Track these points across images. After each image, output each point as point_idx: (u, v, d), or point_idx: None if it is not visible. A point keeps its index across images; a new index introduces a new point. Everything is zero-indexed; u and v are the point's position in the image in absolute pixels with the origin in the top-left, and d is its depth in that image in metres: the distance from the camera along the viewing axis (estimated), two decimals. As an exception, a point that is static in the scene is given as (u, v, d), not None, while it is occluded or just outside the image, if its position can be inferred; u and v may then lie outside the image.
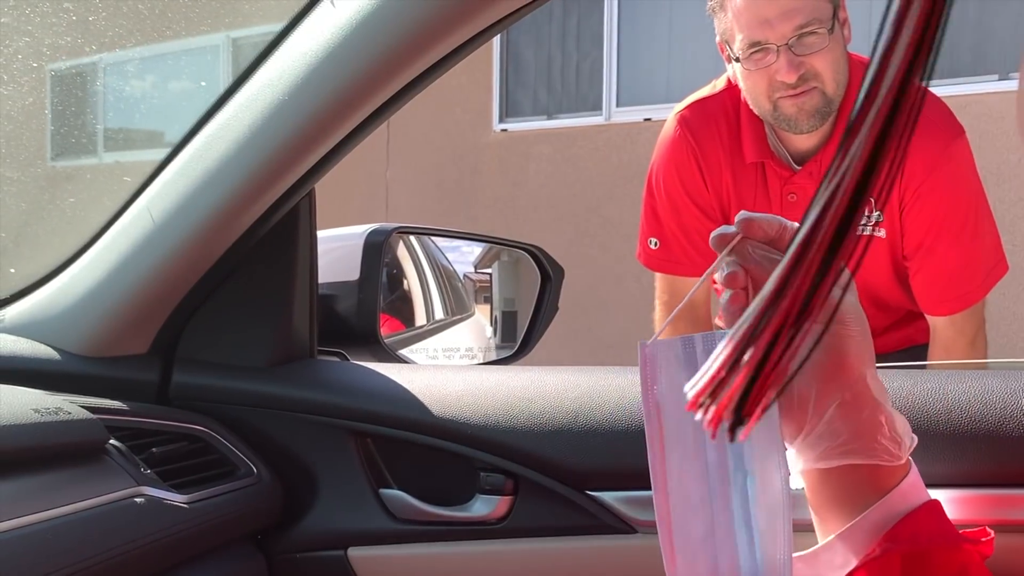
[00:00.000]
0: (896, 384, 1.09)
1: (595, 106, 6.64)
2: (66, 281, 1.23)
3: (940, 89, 2.26)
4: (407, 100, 1.14)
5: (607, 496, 1.11)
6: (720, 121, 2.15)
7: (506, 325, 1.77)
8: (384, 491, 1.18)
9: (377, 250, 1.39)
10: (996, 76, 5.18)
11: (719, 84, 2.19)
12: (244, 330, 1.25)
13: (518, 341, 1.63)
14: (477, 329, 1.82)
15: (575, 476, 1.12)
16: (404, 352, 1.49)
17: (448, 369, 1.27)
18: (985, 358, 2.17)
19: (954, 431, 1.05)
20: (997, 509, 1.04)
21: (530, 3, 1.07)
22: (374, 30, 1.05)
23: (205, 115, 1.15)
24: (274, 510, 1.20)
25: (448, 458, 1.17)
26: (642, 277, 2.42)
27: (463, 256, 1.86)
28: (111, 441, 1.03)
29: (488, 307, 1.83)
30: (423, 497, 1.17)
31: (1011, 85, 5.06)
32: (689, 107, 2.20)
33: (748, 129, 2.12)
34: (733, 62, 2.05)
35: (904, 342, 2.25)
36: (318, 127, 1.10)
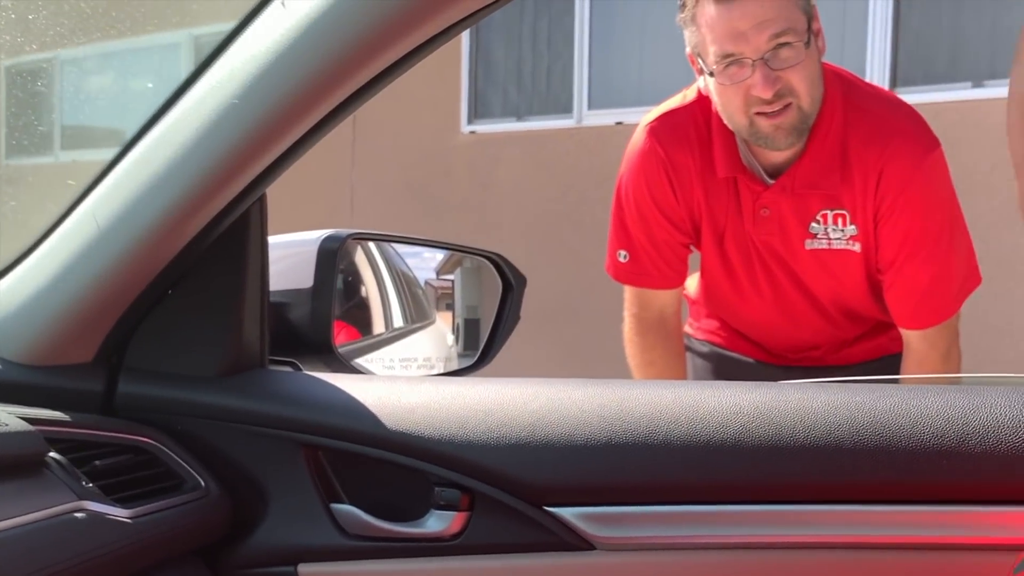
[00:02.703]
0: (859, 399, 1.08)
1: (566, 109, 6.62)
2: (6, 286, 1.20)
3: (913, 96, 2.26)
4: (362, 103, 1.11)
5: (565, 512, 1.09)
6: (691, 133, 2.11)
7: (468, 333, 1.74)
8: (335, 506, 1.15)
9: (331, 257, 1.36)
10: (970, 83, 5.20)
11: (689, 95, 2.15)
12: (193, 338, 1.22)
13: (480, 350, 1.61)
14: (437, 338, 1.79)
15: (532, 491, 1.10)
16: (360, 362, 1.46)
17: (402, 380, 1.24)
18: (959, 371, 2.16)
19: (915, 447, 1.03)
20: (954, 527, 1.03)
21: (491, 4, 1.05)
22: (327, 30, 1.02)
23: (152, 117, 1.13)
24: (222, 525, 1.17)
25: (401, 472, 1.14)
26: (612, 283, 2.40)
27: (424, 262, 1.83)
28: (51, 454, 1.00)
29: (450, 314, 1.80)
30: (375, 512, 1.14)
31: (984, 93, 5.08)
32: (659, 118, 2.16)
33: (720, 142, 2.08)
34: (706, 76, 2.00)
35: (876, 351, 2.24)
36: (269, 130, 1.08)
